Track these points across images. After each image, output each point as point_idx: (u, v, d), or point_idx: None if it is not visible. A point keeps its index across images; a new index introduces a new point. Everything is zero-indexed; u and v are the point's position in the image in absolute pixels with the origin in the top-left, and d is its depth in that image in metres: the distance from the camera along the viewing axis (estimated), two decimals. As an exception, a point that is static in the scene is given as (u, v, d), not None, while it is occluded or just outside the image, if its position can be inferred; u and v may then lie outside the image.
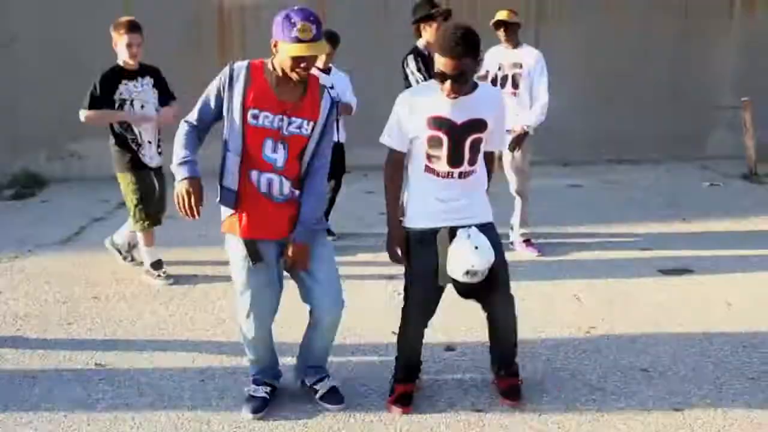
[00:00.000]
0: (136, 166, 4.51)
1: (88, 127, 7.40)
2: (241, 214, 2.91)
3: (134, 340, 3.86)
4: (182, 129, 2.92)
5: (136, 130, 4.48)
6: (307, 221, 2.95)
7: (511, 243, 5.26)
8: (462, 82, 2.82)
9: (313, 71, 3.00)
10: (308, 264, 2.97)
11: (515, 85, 5.04)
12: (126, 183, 4.54)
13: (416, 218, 3.03)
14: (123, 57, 4.42)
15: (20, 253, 5.28)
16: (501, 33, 5.02)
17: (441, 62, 2.79)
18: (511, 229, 5.31)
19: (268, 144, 2.87)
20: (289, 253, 2.92)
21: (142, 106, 4.48)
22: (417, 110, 2.93)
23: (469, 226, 2.94)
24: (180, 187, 2.77)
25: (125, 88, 4.42)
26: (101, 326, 4.03)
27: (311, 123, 2.91)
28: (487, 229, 2.99)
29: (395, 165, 3.06)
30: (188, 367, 3.55)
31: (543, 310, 4.18)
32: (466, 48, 2.76)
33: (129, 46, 4.36)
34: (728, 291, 4.53)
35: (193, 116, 2.94)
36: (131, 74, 4.45)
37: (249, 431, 2.99)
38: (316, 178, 2.99)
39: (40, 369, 3.52)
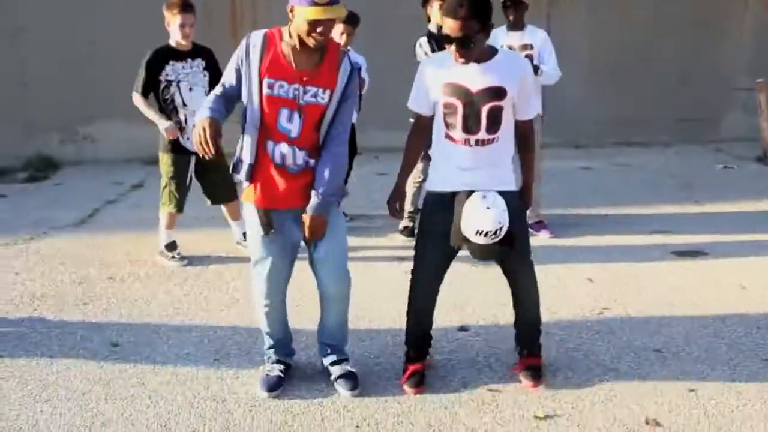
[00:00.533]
0: (175, 148, 4.51)
1: (100, 110, 7.54)
2: (256, 184, 2.93)
3: (149, 320, 3.89)
4: (214, 96, 2.90)
5: (182, 113, 4.44)
6: (323, 191, 2.90)
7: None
8: (467, 46, 2.77)
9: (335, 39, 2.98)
10: (325, 235, 2.97)
11: None
12: (162, 163, 4.59)
13: (435, 182, 3.04)
14: (176, 37, 4.37)
15: (35, 235, 5.32)
16: (510, 13, 4.97)
17: (446, 24, 2.78)
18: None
19: (284, 113, 2.85)
20: (306, 224, 2.92)
21: (191, 89, 4.41)
22: (436, 76, 2.92)
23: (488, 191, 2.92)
24: (198, 124, 2.75)
25: (172, 69, 4.37)
26: (117, 306, 4.06)
27: (328, 91, 2.86)
28: (507, 195, 2.94)
29: (420, 129, 3.08)
30: (203, 346, 3.57)
31: (556, 292, 4.18)
32: (472, 10, 2.71)
33: (182, 26, 4.31)
34: (742, 273, 4.52)
35: (218, 89, 2.93)
36: (181, 55, 4.39)
37: (264, 409, 3.01)
38: (333, 145, 2.93)
39: (57, 348, 3.56)
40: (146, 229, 5.39)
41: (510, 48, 4.98)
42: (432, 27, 4.83)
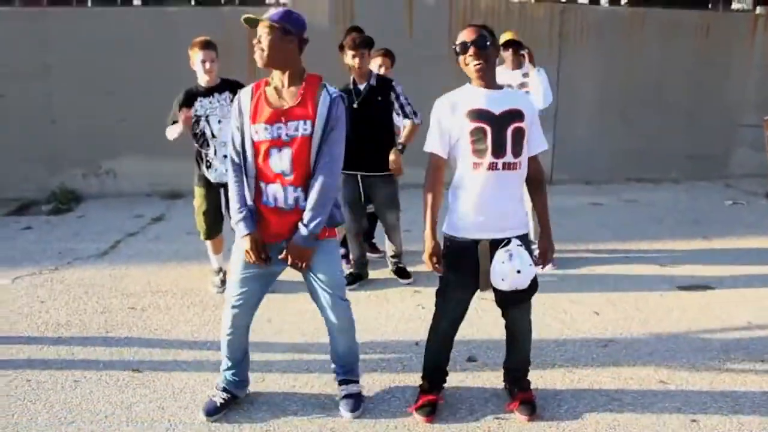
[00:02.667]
0: (201, 182, 4.74)
1: (122, 146, 7.80)
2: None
3: (169, 347, 4.03)
4: (230, 174, 3.12)
5: (212, 145, 4.64)
6: (307, 222, 3.02)
7: None
8: (483, 48, 2.95)
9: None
10: (309, 265, 3.11)
11: None
12: (195, 195, 4.83)
13: (457, 228, 3.10)
14: (199, 73, 4.62)
15: (60, 265, 5.51)
16: (509, 53, 5.18)
17: (462, 35, 3.00)
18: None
19: (273, 153, 3.01)
20: (288, 254, 3.06)
21: (219, 121, 4.61)
22: (457, 107, 3.02)
23: (508, 240, 3.03)
24: (244, 246, 3.07)
25: (200, 105, 4.59)
26: (138, 335, 4.21)
27: (309, 122, 2.99)
28: (522, 241, 3.08)
29: (436, 172, 3.10)
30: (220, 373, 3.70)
31: (562, 324, 4.29)
32: (484, 27, 3.01)
33: (203, 62, 4.55)
34: (748, 308, 4.60)
35: (231, 154, 3.12)
36: (207, 91, 4.62)
37: (278, 431, 3.14)
38: (321, 175, 3.02)
39: (81, 373, 3.71)
40: (166, 260, 5.59)
41: (509, 86, 5.17)
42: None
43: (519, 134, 3.01)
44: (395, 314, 4.46)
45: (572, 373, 3.71)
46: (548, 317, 4.37)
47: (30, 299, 4.78)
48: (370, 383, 3.56)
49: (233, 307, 3.22)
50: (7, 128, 7.66)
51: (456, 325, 3.29)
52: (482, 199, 3.03)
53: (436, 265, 3.09)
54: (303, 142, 3.00)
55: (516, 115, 3.01)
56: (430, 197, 3.08)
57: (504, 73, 5.20)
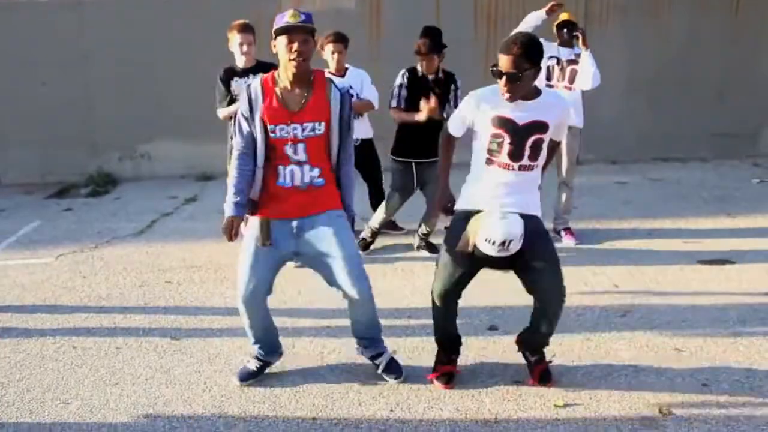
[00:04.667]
0: None
1: (157, 130, 8.06)
2: (263, 200, 3.21)
3: (204, 318, 4.26)
4: (236, 161, 3.19)
5: None
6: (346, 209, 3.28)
7: (555, 231, 5.55)
8: (514, 81, 2.95)
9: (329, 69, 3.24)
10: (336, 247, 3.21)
11: (572, 80, 5.31)
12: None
13: (466, 202, 3.23)
14: (236, 55, 4.82)
15: (99, 244, 5.77)
16: (564, 32, 5.30)
17: (499, 60, 2.98)
18: (555, 219, 5.58)
19: (289, 146, 3.12)
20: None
21: None
22: (483, 107, 3.10)
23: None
24: (225, 223, 3.17)
25: (236, 84, 4.79)
26: (174, 306, 4.44)
27: (323, 123, 3.12)
28: (532, 219, 3.13)
29: (450, 143, 3.35)
30: (253, 341, 3.91)
31: (582, 294, 4.40)
32: (523, 51, 2.92)
33: (240, 45, 4.76)
34: (767, 281, 4.66)
35: (239, 144, 3.18)
36: (243, 71, 4.82)
37: (308, 395, 3.33)
38: (346, 168, 3.27)
39: (122, 341, 3.95)
40: (200, 238, 5.82)
41: (558, 60, 5.30)
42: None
43: (538, 143, 3.11)
44: (420, 286, 4.62)
45: (590, 341, 3.84)
46: (568, 288, 4.39)
47: (73, 275, 5.05)
48: (394, 349, 3.72)
49: (245, 302, 3.30)
50: (48, 115, 7.97)
51: (454, 297, 3.32)
52: (496, 185, 3.15)
53: (448, 210, 3.30)
54: (318, 140, 3.14)
55: (540, 126, 3.09)
56: (443, 156, 3.39)
57: (553, 47, 5.32)
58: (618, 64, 8.40)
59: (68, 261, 5.35)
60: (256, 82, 3.17)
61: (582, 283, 4.62)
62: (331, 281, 3.28)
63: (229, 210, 3.16)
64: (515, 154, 3.09)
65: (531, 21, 5.13)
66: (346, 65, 5.21)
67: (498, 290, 4.31)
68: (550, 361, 3.50)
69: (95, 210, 6.96)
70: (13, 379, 3.54)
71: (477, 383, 3.41)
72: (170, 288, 4.75)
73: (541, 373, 3.42)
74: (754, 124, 8.93)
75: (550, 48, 5.29)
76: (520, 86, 2.99)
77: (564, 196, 5.55)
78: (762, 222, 6.09)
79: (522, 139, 3.08)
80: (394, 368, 3.46)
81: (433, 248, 5.31)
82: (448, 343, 3.49)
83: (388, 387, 3.39)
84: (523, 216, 3.09)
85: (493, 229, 3.01)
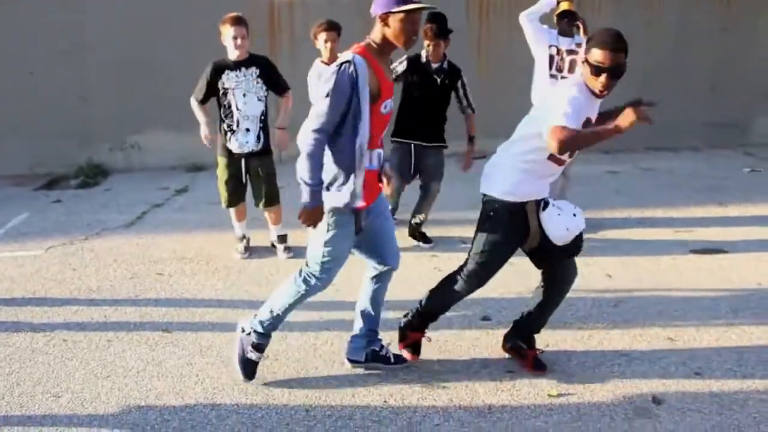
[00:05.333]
0: (224, 152, 4.92)
1: (147, 121, 8.00)
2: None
3: (195, 310, 4.22)
4: (319, 143, 2.91)
5: (235, 116, 4.80)
6: None
7: None
8: (619, 77, 3.00)
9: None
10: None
11: (571, 70, 5.30)
12: (218, 164, 5.00)
13: (514, 194, 3.18)
14: (229, 48, 4.76)
15: (89, 236, 5.72)
16: (564, 22, 5.28)
17: (601, 55, 2.93)
18: None
19: (389, 124, 3.17)
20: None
21: (244, 95, 4.77)
22: (582, 111, 3.00)
23: (545, 200, 3.24)
24: (307, 214, 2.99)
25: (227, 78, 4.75)
26: (165, 298, 4.41)
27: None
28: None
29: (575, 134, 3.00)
30: (245, 332, 3.89)
31: (575, 285, 4.35)
32: (625, 44, 2.97)
33: (234, 38, 4.70)
34: (759, 270, 4.68)
35: (324, 125, 2.90)
36: (236, 65, 4.77)
37: (301, 386, 3.31)
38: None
39: (113, 334, 3.91)
40: (191, 229, 5.78)
41: (558, 50, 5.27)
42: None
43: None
44: (412, 277, 4.60)
45: (583, 330, 3.84)
46: None
47: (62, 267, 5.00)
48: (389, 342, 3.71)
49: (316, 291, 3.27)
50: (37, 105, 7.88)
51: (482, 285, 3.41)
52: (546, 177, 3.25)
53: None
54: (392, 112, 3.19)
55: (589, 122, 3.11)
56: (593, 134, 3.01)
57: (554, 37, 5.30)
58: (610, 53, 8.37)
59: (58, 253, 5.31)
60: (359, 60, 2.88)
61: (575, 273, 4.61)
62: (375, 252, 3.31)
63: (316, 197, 2.97)
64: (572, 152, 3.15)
65: (543, 7, 5.13)
66: (339, 54, 5.14)
67: (490, 281, 4.30)
68: (542, 351, 3.51)
69: (85, 201, 6.90)
70: (2, 372, 3.50)
71: (470, 373, 3.41)
72: (161, 280, 4.72)
73: (535, 359, 3.44)
74: (745, 114, 8.95)
75: (551, 37, 5.29)
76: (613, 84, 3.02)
77: (559, 184, 5.55)
78: (753, 211, 6.12)
79: None
80: (397, 355, 3.50)
81: (426, 238, 5.30)
82: (431, 318, 3.54)
83: (381, 378, 3.37)
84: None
85: (573, 222, 3.18)
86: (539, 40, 5.27)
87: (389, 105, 3.07)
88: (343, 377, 3.39)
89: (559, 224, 3.17)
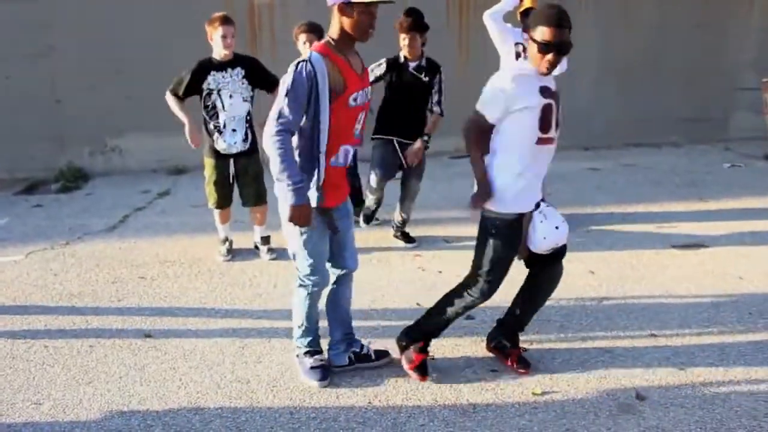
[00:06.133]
0: (211, 152, 4.88)
1: (127, 124, 7.93)
2: (322, 190, 3.07)
3: (178, 313, 4.19)
4: (285, 142, 2.89)
5: (221, 117, 4.77)
6: None
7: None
8: (566, 53, 2.97)
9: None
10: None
11: None
12: (205, 165, 4.96)
13: (510, 203, 3.11)
14: (218, 48, 4.70)
15: (71, 240, 5.67)
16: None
17: (546, 33, 2.92)
18: None
19: (360, 118, 3.09)
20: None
21: (230, 96, 4.74)
22: (527, 83, 3.00)
23: (537, 204, 3.21)
24: (295, 213, 2.96)
25: (213, 79, 4.71)
26: (148, 302, 4.37)
27: (369, 87, 3.14)
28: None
29: (483, 130, 3.10)
30: (228, 335, 3.87)
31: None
32: (569, 20, 2.96)
33: (223, 37, 4.65)
34: (740, 264, 4.73)
35: (285, 125, 2.89)
36: (221, 65, 4.73)
37: (285, 389, 3.30)
38: None
39: (95, 339, 3.87)
40: (173, 232, 5.74)
41: (524, 47, 5.26)
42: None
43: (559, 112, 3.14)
44: (397, 277, 4.60)
45: (566, 328, 3.85)
46: None
47: (43, 272, 4.95)
48: (374, 338, 3.71)
49: (321, 292, 3.32)
50: (13, 109, 7.78)
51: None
52: (534, 170, 3.14)
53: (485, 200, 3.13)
54: (367, 105, 3.16)
55: (556, 94, 3.12)
56: (474, 148, 3.16)
57: (518, 33, 5.30)
58: (589, 50, 8.44)
59: (39, 258, 5.25)
60: (315, 57, 2.89)
61: (558, 270, 4.63)
62: (336, 254, 3.30)
63: (298, 197, 2.94)
64: (558, 122, 3.11)
65: (506, 6, 5.15)
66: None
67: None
68: (525, 350, 3.52)
69: (66, 206, 6.83)
70: (-18, 380, 3.46)
71: (455, 373, 3.41)
72: (144, 284, 4.68)
73: (519, 357, 3.44)
74: (724, 108, 9.04)
75: (516, 35, 5.29)
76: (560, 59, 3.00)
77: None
78: (733, 205, 6.18)
79: (558, 105, 3.10)
80: (380, 351, 3.51)
81: (409, 238, 5.29)
82: (433, 337, 3.47)
83: (365, 379, 3.37)
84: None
85: (551, 234, 3.18)
86: (505, 39, 5.29)
87: (360, 97, 3.03)
88: (328, 379, 3.38)
89: (539, 231, 3.16)
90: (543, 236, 3.16)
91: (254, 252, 5.17)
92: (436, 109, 5.11)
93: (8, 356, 3.70)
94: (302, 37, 4.84)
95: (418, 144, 5.03)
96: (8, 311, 4.28)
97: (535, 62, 3.01)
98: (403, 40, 4.95)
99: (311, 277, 3.22)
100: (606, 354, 3.56)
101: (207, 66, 4.73)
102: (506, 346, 3.49)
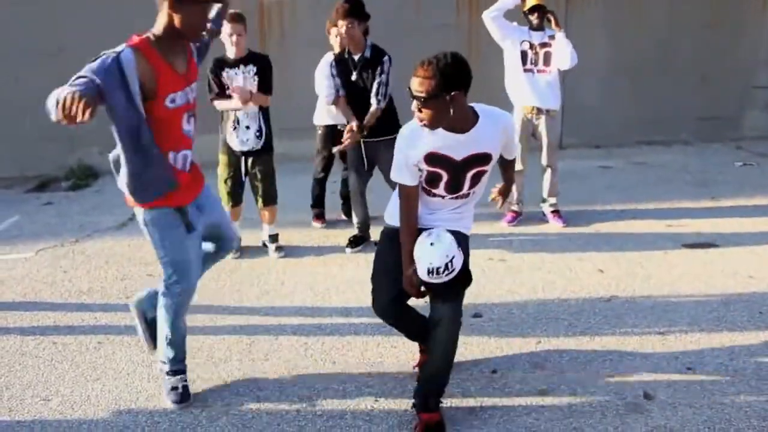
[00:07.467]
0: (225, 148, 4.91)
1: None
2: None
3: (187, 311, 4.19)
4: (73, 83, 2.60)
5: (234, 114, 4.80)
6: None
7: (543, 214, 5.66)
8: (426, 106, 2.56)
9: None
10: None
11: (546, 63, 5.29)
12: (219, 162, 4.98)
13: (396, 218, 2.95)
14: (227, 45, 4.74)
15: (80, 238, 5.70)
16: (534, 17, 5.27)
17: (412, 82, 2.60)
18: (543, 201, 5.66)
19: (185, 118, 2.89)
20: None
21: None
22: (417, 146, 2.72)
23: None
24: (69, 92, 2.47)
25: (226, 75, 4.75)
26: (156, 300, 4.38)
27: (195, 83, 2.96)
28: (458, 236, 2.82)
29: (410, 200, 2.84)
30: (236, 332, 3.88)
31: (567, 280, 4.40)
32: (437, 67, 2.54)
33: (230, 35, 4.67)
34: (751, 263, 4.68)
35: (89, 82, 2.62)
36: (234, 62, 4.76)
37: (292, 386, 3.30)
38: None
39: (104, 336, 3.90)
40: (182, 230, 5.74)
41: (530, 45, 5.25)
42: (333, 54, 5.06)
43: (480, 175, 2.84)
44: (364, 278, 4.58)
45: (575, 326, 3.83)
46: (553, 274, 4.49)
47: (53, 269, 4.97)
48: (367, 342, 3.71)
49: (192, 294, 3.20)
50: (24, 109, 7.82)
51: (398, 312, 3.07)
52: (426, 207, 2.94)
53: (418, 292, 2.85)
54: (192, 106, 2.95)
55: (480, 159, 2.77)
56: (406, 228, 2.86)
57: (524, 31, 5.29)
58: (600, 47, 8.39)
59: (48, 255, 5.28)
60: (126, 51, 2.72)
61: (566, 269, 4.61)
62: (217, 234, 3.24)
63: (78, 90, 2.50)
64: (453, 189, 2.83)
65: (506, 4, 5.13)
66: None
67: (481, 277, 4.30)
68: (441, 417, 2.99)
69: (76, 204, 6.87)
70: (-8, 376, 3.49)
71: (461, 370, 3.39)
72: (152, 281, 4.68)
73: (426, 426, 2.90)
74: (736, 107, 8.95)
75: (522, 33, 5.29)
76: (439, 113, 2.57)
77: (549, 179, 5.56)
78: (744, 204, 6.12)
79: (461, 174, 2.79)
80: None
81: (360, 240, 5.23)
82: (420, 339, 3.33)
83: (372, 377, 3.36)
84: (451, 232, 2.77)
85: (429, 258, 2.65)
86: (506, 36, 5.28)
87: (178, 99, 2.80)
88: (334, 377, 3.38)
89: (425, 255, 2.67)
90: (429, 261, 2.65)
91: (262, 250, 5.18)
92: (373, 101, 4.74)
93: (18, 352, 3.72)
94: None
95: (352, 134, 4.70)
96: (18, 308, 4.31)
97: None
98: (340, 27, 4.70)
99: (178, 282, 3.06)
100: (614, 353, 3.53)
101: (221, 62, 4.76)
102: (424, 404, 2.99)
